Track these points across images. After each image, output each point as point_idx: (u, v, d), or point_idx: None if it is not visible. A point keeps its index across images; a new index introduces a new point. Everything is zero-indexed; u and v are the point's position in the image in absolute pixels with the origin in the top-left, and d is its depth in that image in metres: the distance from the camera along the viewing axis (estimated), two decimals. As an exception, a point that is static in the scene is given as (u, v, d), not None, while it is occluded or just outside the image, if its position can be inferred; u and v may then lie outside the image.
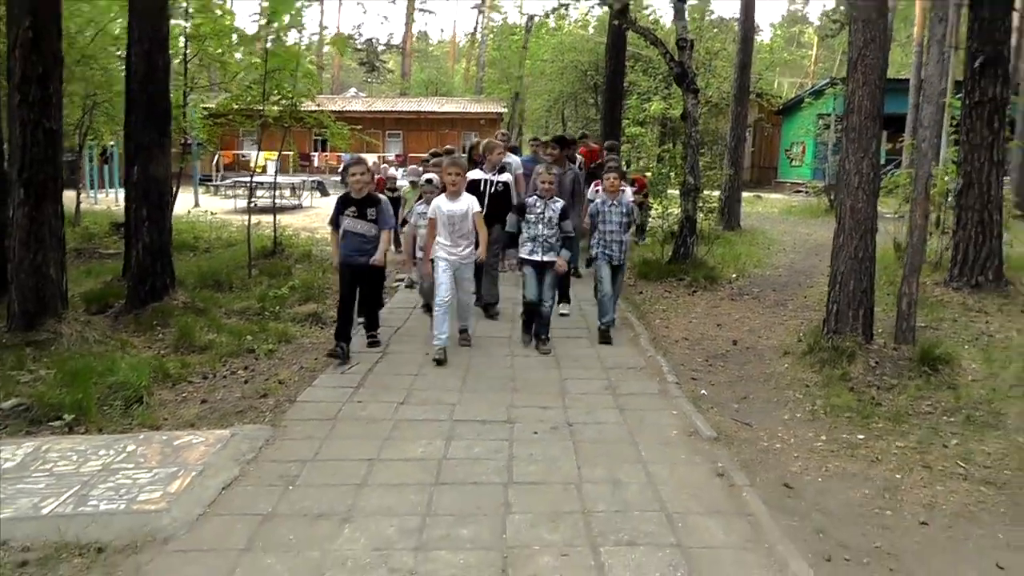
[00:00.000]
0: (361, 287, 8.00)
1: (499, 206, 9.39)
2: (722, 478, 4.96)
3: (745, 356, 8.22)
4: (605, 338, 8.63)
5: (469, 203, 7.96)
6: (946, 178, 13.19)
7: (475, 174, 9.55)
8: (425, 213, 8.52)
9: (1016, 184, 22.56)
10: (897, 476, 5.12)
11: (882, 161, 22.95)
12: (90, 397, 5.92)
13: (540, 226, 8.15)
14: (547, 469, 5.08)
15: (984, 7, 10.92)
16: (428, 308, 9.05)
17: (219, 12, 13.97)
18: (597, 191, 10.37)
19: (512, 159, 11.16)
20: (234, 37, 14.36)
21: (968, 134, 11.29)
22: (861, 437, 5.80)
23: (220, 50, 14.77)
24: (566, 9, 19.45)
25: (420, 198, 9.51)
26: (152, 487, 4.52)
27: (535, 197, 8.24)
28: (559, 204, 8.27)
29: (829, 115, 33.05)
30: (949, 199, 12.83)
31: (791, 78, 62.89)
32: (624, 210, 8.72)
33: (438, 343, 7.71)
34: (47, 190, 8.06)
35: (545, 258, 8.19)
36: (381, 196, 8.28)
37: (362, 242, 7.79)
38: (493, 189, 9.61)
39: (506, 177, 9.81)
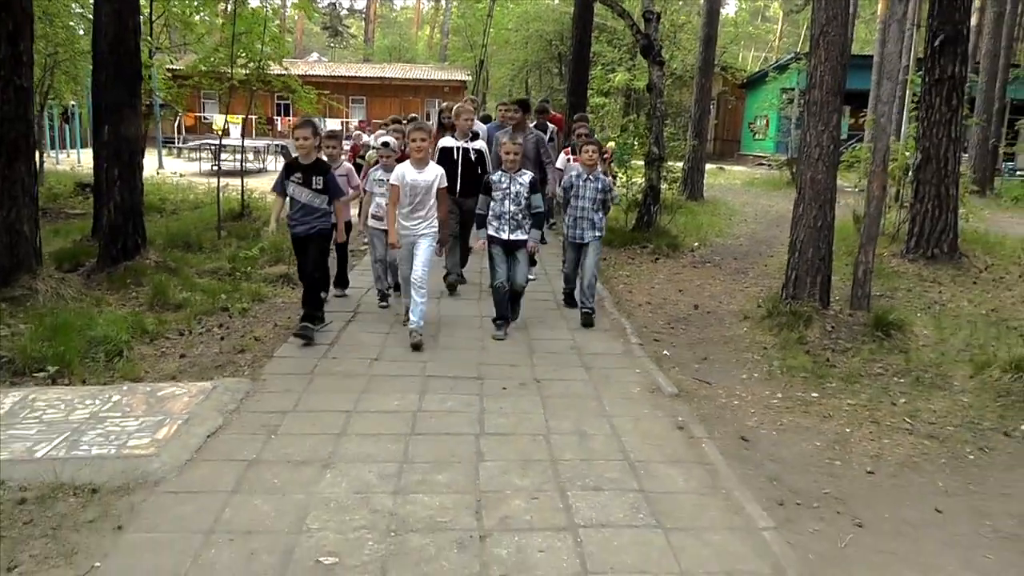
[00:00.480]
0: (308, 255, 7.27)
1: (474, 176, 8.87)
2: (682, 431, 5.23)
3: (706, 320, 8.50)
4: (587, 323, 7.99)
5: (436, 174, 7.23)
6: (907, 153, 13.58)
7: (446, 141, 9.06)
8: (383, 180, 7.97)
9: (975, 162, 23.13)
10: (847, 430, 5.43)
11: (844, 136, 23.41)
12: (72, 350, 6.07)
13: (507, 202, 7.45)
14: (516, 422, 5.32)
15: (943, -11, 11.23)
16: (398, 286, 8.27)
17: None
18: (568, 161, 10.22)
19: (479, 127, 10.65)
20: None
21: (927, 111, 11.64)
22: (815, 395, 6.11)
23: (185, 11, 14.76)
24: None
25: (377, 163, 8.58)
26: (140, 434, 4.70)
27: (499, 173, 7.56)
28: (527, 177, 7.53)
29: (793, 89, 33.44)
30: (909, 174, 13.20)
31: (756, 52, 63.25)
32: (600, 186, 8.05)
33: (412, 324, 7.09)
34: (19, 148, 8.10)
35: (512, 236, 7.48)
36: (336, 163, 8.07)
37: (305, 212, 7.14)
38: (466, 158, 8.96)
39: (480, 144, 9.13)
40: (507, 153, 7.46)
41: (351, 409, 5.42)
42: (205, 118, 39.53)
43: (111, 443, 4.53)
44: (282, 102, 39.07)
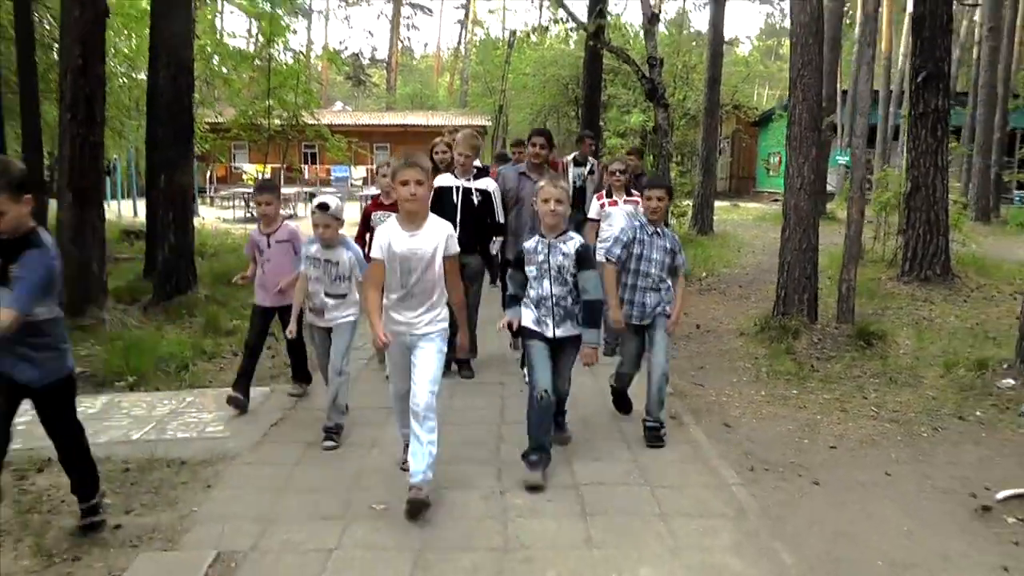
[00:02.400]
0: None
1: (480, 226, 7.03)
2: (674, 419, 6.08)
3: (705, 337, 9.33)
4: (653, 444, 5.58)
5: (440, 238, 4.57)
6: (901, 182, 14.39)
7: (443, 180, 6.99)
8: (318, 260, 5.66)
9: (977, 190, 23.90)
10: (818, 417, 6.27)
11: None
12: (146, 364, 7.05)
13: (546, 282, 5.10)
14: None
15: (925, 28, 12.07)
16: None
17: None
18: (603, 207, 8.03)
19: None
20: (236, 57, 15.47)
21: (914, 142, 12.46)
22: (794, 392, 6.95)
23: (224, 68, 15.94)
24: (545, 31, 20.35)
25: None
26: (215, 424, 5.68)
27: (536, 239, 5.21)
28: (573, 243, 5.09)
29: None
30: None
31: (771, 90, 64.28)
32: (668, 244, 5.85)
33: (415, 479, 4.37)
34: (91, 197, 9.14)
35: (561, 332, 5.13)
36: (272, 225, 6.35)
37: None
38: (467, 200, 7.00)
39: (486, 184, 7.15)
40: (548, 203, 5.02)
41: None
42: (236, 167, 40.90)
43: (192, 430, 5.48)
44: (308, 150, 40.39)
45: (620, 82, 38.24)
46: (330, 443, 5.42)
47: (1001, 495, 4.78)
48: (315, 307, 5.73)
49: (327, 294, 5.63)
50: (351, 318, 5.69)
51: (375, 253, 4.59)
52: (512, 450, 5.29)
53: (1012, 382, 6.91)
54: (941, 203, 12.43)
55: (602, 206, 8.07)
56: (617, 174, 8.08)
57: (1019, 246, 18.44)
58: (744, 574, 3.80)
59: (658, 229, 5.87)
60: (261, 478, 4.77)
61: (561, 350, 5.22)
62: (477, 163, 7.33)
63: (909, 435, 5.91)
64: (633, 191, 8.06)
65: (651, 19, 14.17)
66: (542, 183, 5.16)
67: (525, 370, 5.85)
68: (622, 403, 6.33)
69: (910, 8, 17.10)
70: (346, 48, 73.89)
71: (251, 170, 37.47)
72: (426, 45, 79.51)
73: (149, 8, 11.08)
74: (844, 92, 30.55)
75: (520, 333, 5.34)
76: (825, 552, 4.08)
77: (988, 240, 16.48)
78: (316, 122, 17.45)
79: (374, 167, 40.69)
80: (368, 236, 6.62)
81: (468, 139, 7.14)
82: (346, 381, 5.71)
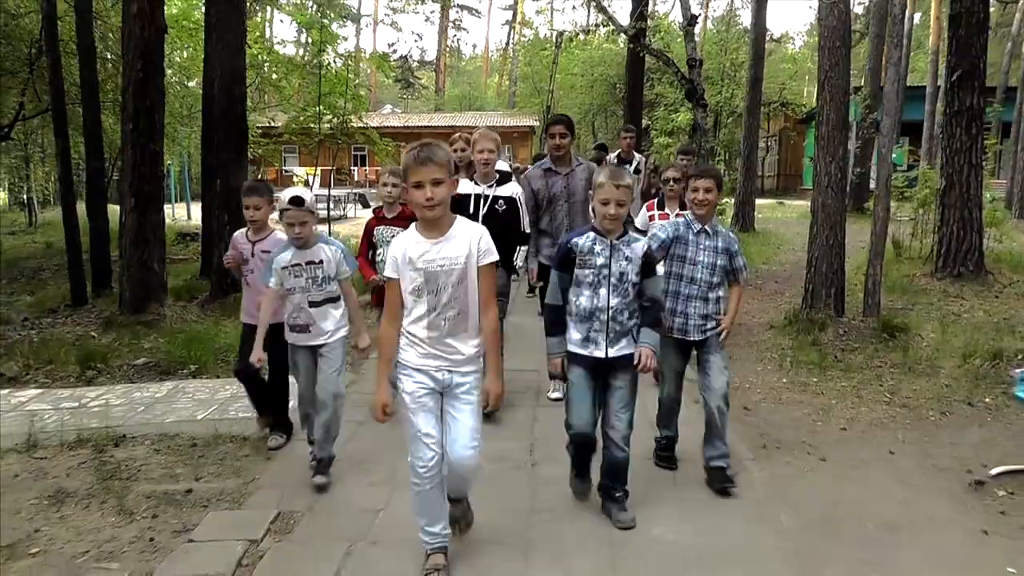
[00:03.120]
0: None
1: (502, 239, 4.91)
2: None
3: (736, 330, 9.59)
4: (723, 487, 4.82)
5: (472, 241, 3.67)
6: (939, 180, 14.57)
7: (461, 187, 6.10)
8: (300, 264, 4.92)
9: (1019, 187, 23.83)
10: (833, 402, 6.65)
11: (903, 166, 24.26)
12: (206, 355, 7.63)
13: (602, 291, 4.25)
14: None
15: (961, 27, 12.27)
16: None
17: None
18: (652, 218, 7.17)
19: (502, 166, 7.11)
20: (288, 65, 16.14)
21: (949, 140, 12.65)
22: (814, 380, 7.31)
23: (276, 76, 16.62)
24: (588, 33, 20.74)
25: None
26: (271, 407, 6.18)
27: (593, 235, 4.30)
28: (639, 246, 4.34)
29: (854, 121, 34.27)
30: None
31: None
32: (720, 243, 4.95)
33: (432, 546, 3.84)
34: (152, 201, 9.80)
35: (614, 351, 4.26)
36: (261, 233, 5.56)
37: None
38: (492, 211, 6.20)
39: (512, 190, 6.35)
40: (608, 205, 4.21)
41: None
42: (286, 171, 41.88)
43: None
44: (358, 153, 41.22)
45: (667, 80, 38.49)
46: (322, 479, 4.83)
47: (995, 471, 5.13)
48: (298, 324, 4.94)
49: (312, 303, 4.90)
50: (344, 331, 5.00)
51: (389, 271, 3.63)
52: (546, 527, 4.34)
53: (1021, 371, 7.21)
54: (975, 200, 12.61)
55: (651, 218, 7.11)
56: (672, 183, 7.04)
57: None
58: (745, 531, 4.23)
59: (707, 227, 4.92)
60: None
61: (615, 374, 4.28)
62: (501, 164, 6.60)
63: (917, 419, 6.26)
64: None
65: (690, 21, 14.54)
66: (601, 178, 4.23)
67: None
68: (666, 455, 5.32)
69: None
70: (395, 51, 74.66)
71: (301, 173, 38.41)
72: (475, 47, 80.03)
73: (204, 21, 11.66)
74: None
75: (565, 359, 4.36)
76: (821, 516, 4.48)
77: (1026, 237, 16.53)
78: (364, 125, 17.99)
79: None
80: (371, 254, 6.26)
81: (488, 135, 6.28)
82: (343, 405, 5.04)
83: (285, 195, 4.81)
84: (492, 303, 3.68)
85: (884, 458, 5.44)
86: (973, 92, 12.33)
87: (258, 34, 16.07)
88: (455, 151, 6.72)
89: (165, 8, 10.12)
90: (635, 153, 10.76)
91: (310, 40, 17.85)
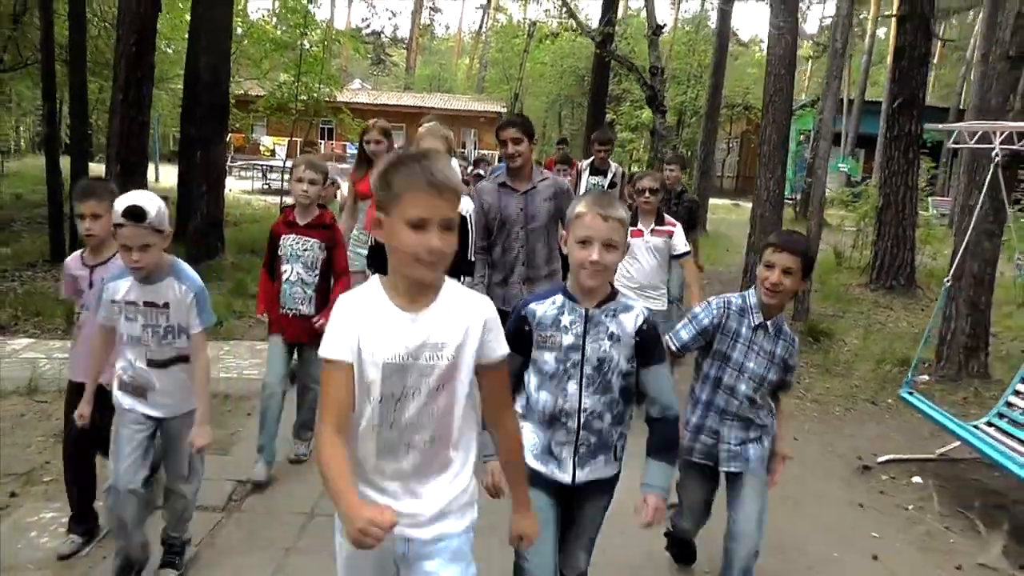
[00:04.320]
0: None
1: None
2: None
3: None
4: None
5: (469, 324, 2.25)
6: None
7: None
8: (137, 305, 3.53)
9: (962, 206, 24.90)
10: (752, 396, 7.43)
11: (857, 177, 25.31)
12: (186, 319, 8.22)
13: (572, 384, 2.86)
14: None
15: (904, 59, 13.16)
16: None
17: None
18: (641, 242, 5.98)
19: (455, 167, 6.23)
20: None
21: (887, 162, 13.60)
22: (739, 375, 8.10)
23: (256, 52, 17.16)
24: (556, 37, 21.38)
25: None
26: (250, 369, 6.84)
27: (557, 298, 2.88)
28: (632, 317, 2.86)
29: (809, 131, 35.34)
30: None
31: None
32: (780, 352, 3.62)
33: None
34: (136, 167, 10.38)
35: (584, 474, 2.94)
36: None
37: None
38: None
39: (464, 207, 4.96)
40: (588, 247, 2.75)
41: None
42: (251, 138, 42.11)
43: (232, 372, 6.64)
44: (325, 126, 41.49)
45: (634, 78, 39.27)
46: (171, 573, 3.80)
47: (882, 459, 5.99)
48: (132, 383, 3.57)
49: (152, 362, 3.52)
50: (192, 407, 3.61)
51: (332, 349, 2.13)
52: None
53: (926, 377, 8.04)
54: (909, 220, 13.54)
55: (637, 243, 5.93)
56: (647, 194, 5.96)
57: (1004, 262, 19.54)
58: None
59: (768, 323, 3.52)
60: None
61: (581, 504, 3.06)
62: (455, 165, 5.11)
63: (824, 413, 7.10)
64: (668, 217, 6.19)
65: (655, 31, 15.30)
66: (580, 207, 2.77)
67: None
68: (684, 552, 4.28)
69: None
70: (368, 26, 74.74)
71: (268, 143, 38.73)
72: (447, 27, 79.81)
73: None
74: (851, 101, 31.74)
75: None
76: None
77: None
78: (337, 103, 18.57)
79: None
80: (278, 270, 4.95)
81: (435, 131, 5.16)
82: (199, 489, 3.91)
83: (119, 204, 3.28)
84: (509, 415, 2.47)
85: (788, 443, 6.21)
86: (912, 119, 13.23)
87: (240, 7, 16.48)
88: (369, 142, 6.10)
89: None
90: (610, 163, 9.09)
91: (279, 9, 18.36)
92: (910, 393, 5.95)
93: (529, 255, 5.19)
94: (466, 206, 4.97)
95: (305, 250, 4.91)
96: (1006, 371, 8.14)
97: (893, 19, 14.27)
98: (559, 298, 2.86)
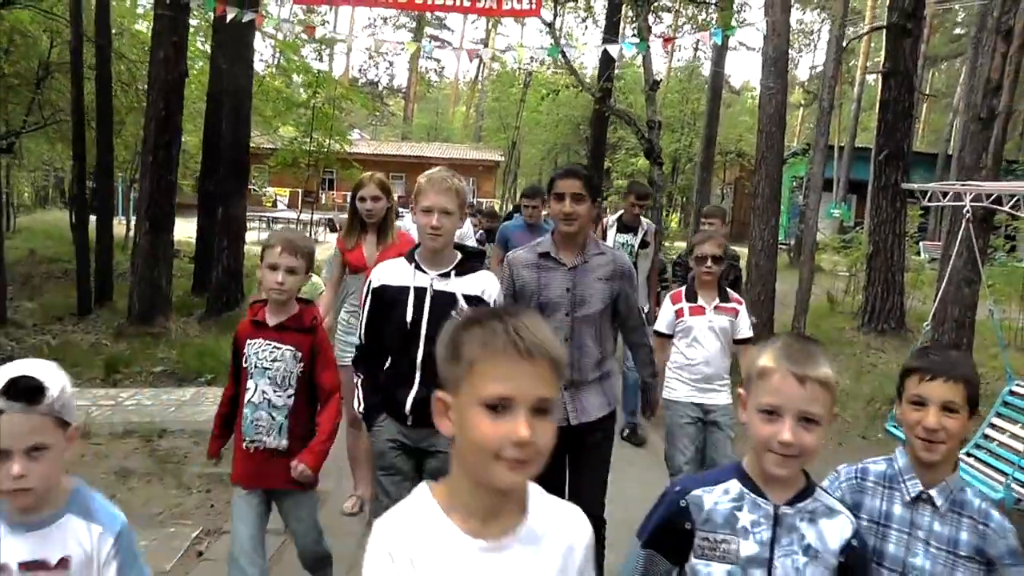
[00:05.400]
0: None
1: None
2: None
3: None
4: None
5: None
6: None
7: (393, 271, 3.63)
8: None
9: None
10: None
11: (851, 223, 25.95)
12: (218, 366, 8.76)
13: None
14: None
15: (889, 112, 13.83)
16: None
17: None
18: (679, 314, 5.01)
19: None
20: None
21: (876, 211, 14.21)
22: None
23: (271, 114, 17.90)
24: (557, 94, 22.09)
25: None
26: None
27: (731, 485, 2.10)
28: (838, 524, 2.08)
29: (803, 177, 36.04)
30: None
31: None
32: (969, 538, 2.32)
33: None
34: (164, 225, 10.95)
35: None
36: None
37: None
38: (434, 313, 3.49)
39: (482, 284, 3.61)
40: (777, 420, 2.01)
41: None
42: (254, 189, 42.83)
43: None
44: (326, 176, 42.22)
45: (632, 131, 39.96)
46: None
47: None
48: None
49: None
50: None
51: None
52: None
53: (913, 415, 8.61)
54: (898, 265, 14.12)
55: (679, 313, 4.96)
56: (708, 262, 4.85)
57: (983, 305, 20.10)
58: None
59: (937, 491, 2.39)
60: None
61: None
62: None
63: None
64: (731, 291, 5.15)
65: (652, 86, 15.99)
66: (766, 360, 2.06)
67: None
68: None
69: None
70: (365, 76, 75.83)
71: (270, 192, 39.47)
72: (443, 69, 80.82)
73: (210, 63, 12.90)
74: (841, 148, 32.52)
75: None
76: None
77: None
78: (341, 150, 19.31)
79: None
80: (241, 388, 3.69)
81: (441, 181, 3.51)
82: None
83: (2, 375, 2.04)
84: None
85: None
86: (898, 170, 13.84)
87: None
88: (362, 199, 5.14)
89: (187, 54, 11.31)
90: (645, 220, 7.91)
91: (288, 65, 19.11)
92: (894, 426, 6.46)
93: (577, 356, 3.91)
94: (488, 286, 3.60)
95: (275, 360, 3.55)
96: (987, 408, 8.70)
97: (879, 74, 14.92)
98: (733, 484, 2.09)
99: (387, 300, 3.51)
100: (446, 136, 67.20)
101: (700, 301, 4.90)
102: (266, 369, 3.55)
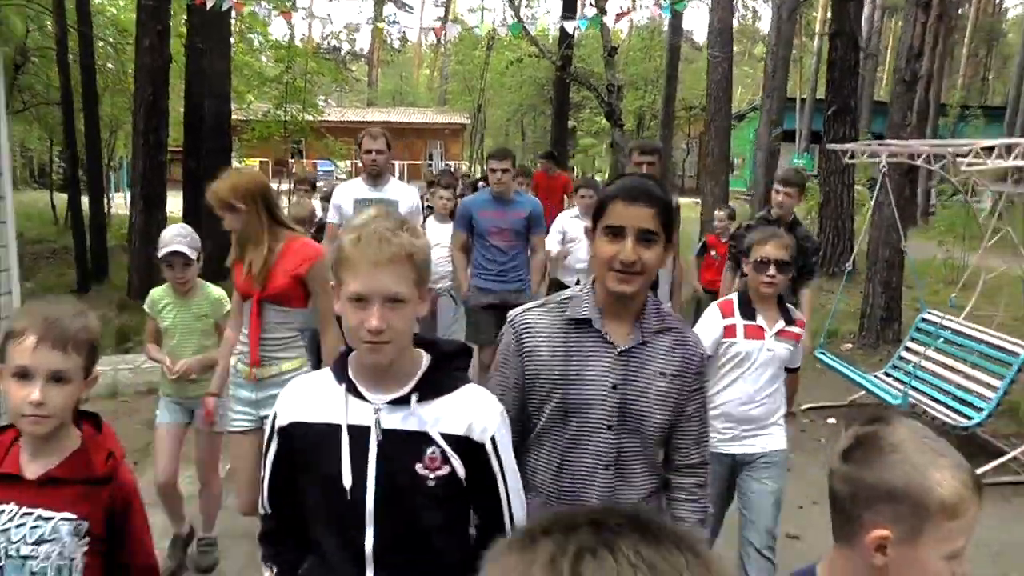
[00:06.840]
0: None
1: None
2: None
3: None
4: None
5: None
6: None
7: (316, 398, 2.02)
8: None
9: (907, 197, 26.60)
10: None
11: (813, 172, 26.82)
12: (218, 339, 9.55)
13: None
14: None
15: (836, 71, 14.69)
16: None
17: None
18: (729, 331, 3.67)
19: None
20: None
21: (826, 163, 15.20)
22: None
23: (244, 88, 18.50)
24: (520, 61, 22.70)
25: None
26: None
27: None
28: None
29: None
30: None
31: (743, 92, 66.52)
32: None
33: None
34: (157, 203, 11.69)
35: None
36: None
37: None
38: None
39: (471, 420, 1.97)
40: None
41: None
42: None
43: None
44: (295, 145, 42.51)
45: (593, 95, 40.52)
46: None
47: (804, 407, 7.55)
48: None
49: None
50: None
51: None
52: None
53: (850, 346, 9.60)
54: (847, 213, 15.10)
55: (728, 332, 3.68)
56: (772, 268, 3.63)
57: (934, 246, 21.10)
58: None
59: None
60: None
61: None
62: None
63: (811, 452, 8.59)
64: (792, 308, 3.85)
65: (611, 52, 16.74)
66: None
67: None
68: None
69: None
70: (328, 42, 75.51)
71: (239, 165, 39.70)
72: (405, 34, 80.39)
73: (187, 46, 13.51)
74: (803, 100, 33.37)
75: None
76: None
77: (911, 242, 19.07)
78: (314, 120, 19.95)
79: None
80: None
81: (385, 248, 1.84)
82: None
83: None
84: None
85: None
86: (846, 124, 14.72)
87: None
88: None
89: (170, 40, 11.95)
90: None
91: (264, 40, 19.67)
92: (823, 353, 7.44)
93: (618, 482, 2.55)
94: (479, 419, 2.08)
95: (38, 542, 2.02)
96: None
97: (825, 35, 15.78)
98: None
99: (303, 449, 2.02)
100: (411, 100, 67.22)
101: (759, 320, 3.64)
102: (24, 560, 2.00)
